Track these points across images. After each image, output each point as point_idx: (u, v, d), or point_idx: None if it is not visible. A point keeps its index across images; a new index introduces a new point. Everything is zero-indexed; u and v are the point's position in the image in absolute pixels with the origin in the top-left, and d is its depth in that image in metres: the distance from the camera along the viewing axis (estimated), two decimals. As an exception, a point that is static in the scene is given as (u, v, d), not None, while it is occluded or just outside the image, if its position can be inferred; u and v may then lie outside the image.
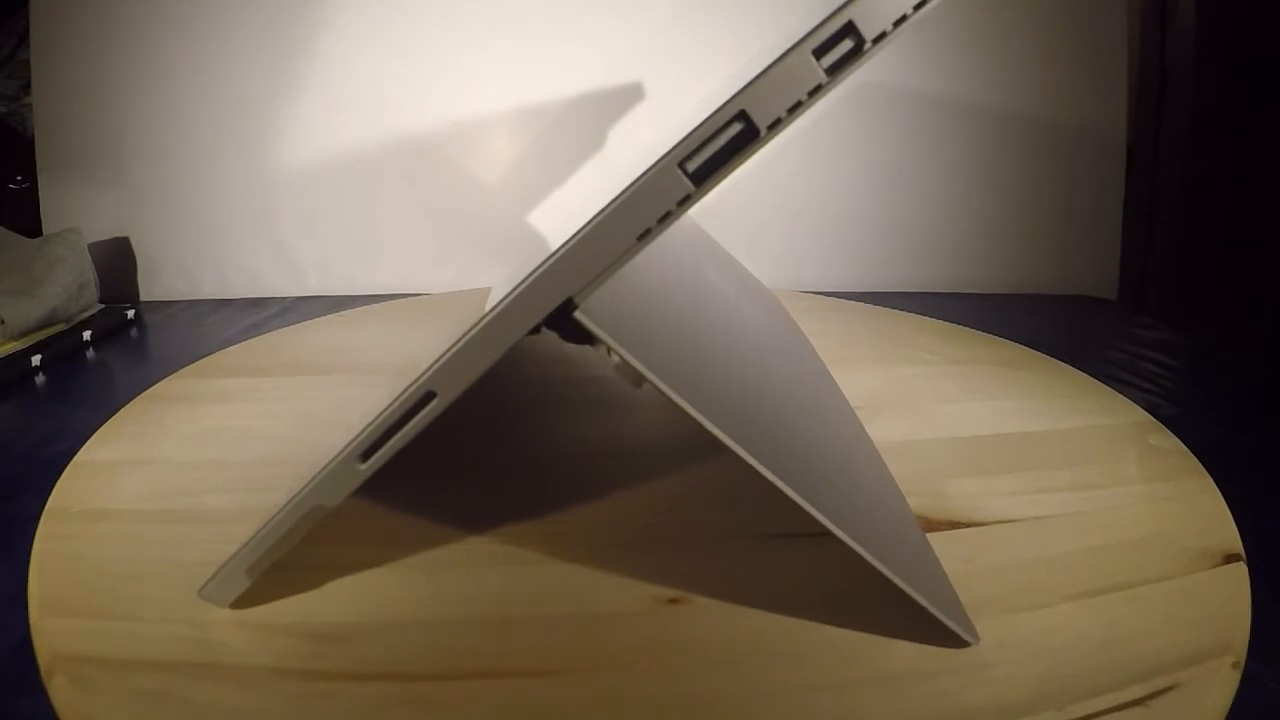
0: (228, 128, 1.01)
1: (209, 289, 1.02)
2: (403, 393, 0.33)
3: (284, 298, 1.01)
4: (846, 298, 0.94)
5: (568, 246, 0.31)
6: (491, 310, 0.32)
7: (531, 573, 0.42)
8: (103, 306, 0.91)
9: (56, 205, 1.02)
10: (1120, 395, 0.64)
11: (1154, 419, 0.59)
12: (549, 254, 0.32)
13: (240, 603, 0.38)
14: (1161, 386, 0.70)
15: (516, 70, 1.02)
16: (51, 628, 0.36)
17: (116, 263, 1.00)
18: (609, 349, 0.33)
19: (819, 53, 0.28)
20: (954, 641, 0.36)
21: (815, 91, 0.29)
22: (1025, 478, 0.52)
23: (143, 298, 1.02)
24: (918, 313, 0.86)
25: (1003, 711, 0.33)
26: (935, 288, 1.04)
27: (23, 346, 0.78)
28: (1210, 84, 1.01)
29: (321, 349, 0.70)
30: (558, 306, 0.32)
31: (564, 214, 0.99)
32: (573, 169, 1.02)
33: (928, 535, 0.44)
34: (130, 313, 0.91)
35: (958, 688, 0.35)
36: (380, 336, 0.70)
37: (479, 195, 1.03)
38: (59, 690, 0.33)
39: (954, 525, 0.46)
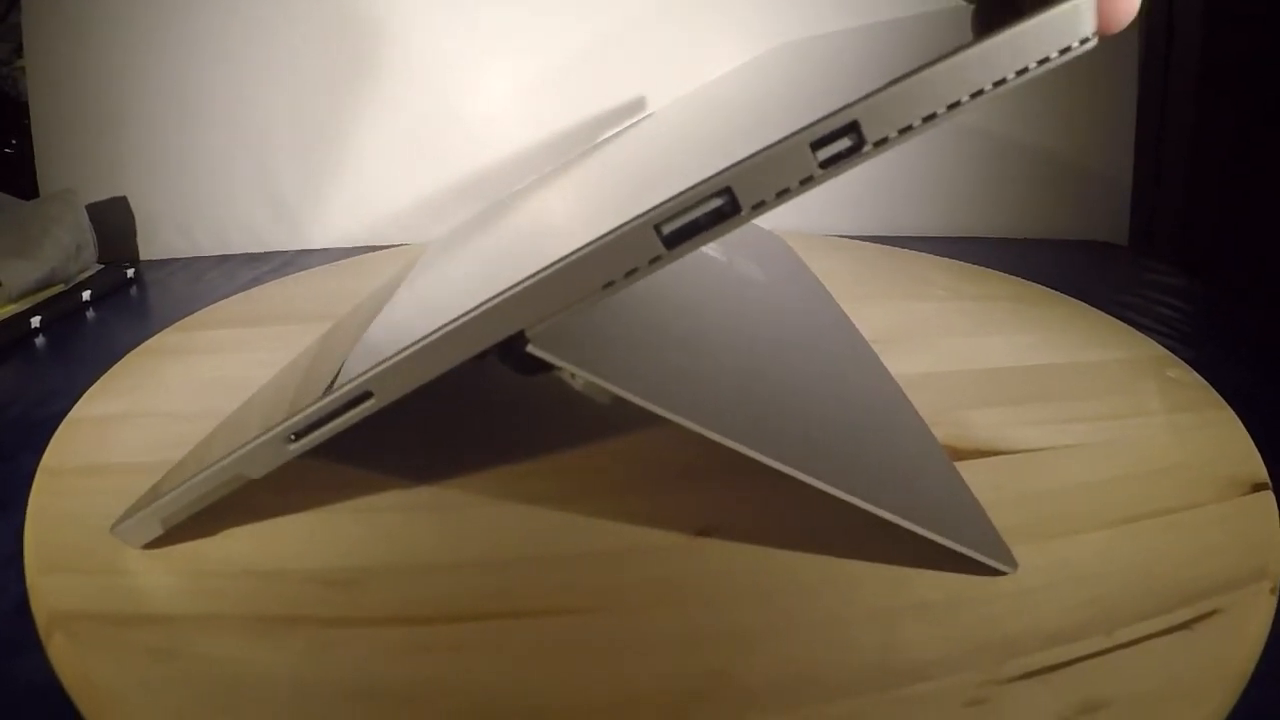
0: (223, 84, 0.99)
1: (208, 246, 1.00)
2: (341, 386, 0.33)
3: (284, 252, 0.99)
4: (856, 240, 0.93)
5: (527, 283, 0.31)
6: (440, 328, 0.32)
7: (550, 509, 0.40)
8: (101, 266, 0.89)
9: (52, 168, 1.00)
10: (1134, 330, 0.63)
11: (1170, 354, 0.59)
12: (506, 282, 0.31)
13: (244, 550, 0.37)
14: (1177, 330, 0.69)
15: (520, 17, 1.00)
16: (49, 586, 0.35)
17: (114, 222, 0.98)
18: (572, 373, 0.33)
19: (816, 145, 0.27)
20: (993, 569, 0.36)
21: (806, 182, 0.28)
22: (1048, 408, 0.51)
23: (142, 257, 1.00)
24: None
25: (1049, 637, 0.33)
26: (943, 232, 1.03)
27: (21, 309, 0.77)
28: (1217, 36, 0.99)
29: (318, 298, 0.69)
30: (509, 337, 0.32)
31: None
32: (577, 118, 1.01)
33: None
34: (130, 272, 0.90)
35: (1001, 614, 0.34)
36: (377, 285, 0.69)
37: (479, 145, 1.02)
38: (58, 649, 0.32)
39: (981, 454, 0.45)
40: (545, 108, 1.01)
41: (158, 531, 0.37)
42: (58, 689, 0.31)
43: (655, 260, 0.30)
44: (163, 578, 0.36)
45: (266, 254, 0.99)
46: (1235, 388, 0.52)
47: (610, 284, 0.30)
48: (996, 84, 0.26)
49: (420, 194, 1.02)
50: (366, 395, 0.33)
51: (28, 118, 1.00)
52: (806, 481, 0.34)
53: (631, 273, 0.30)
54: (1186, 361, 0.58)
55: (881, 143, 0.27)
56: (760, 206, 0.28)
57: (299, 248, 1.01)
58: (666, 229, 0.29)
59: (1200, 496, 0.42)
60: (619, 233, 0.29)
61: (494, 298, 0.31)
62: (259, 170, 1.00)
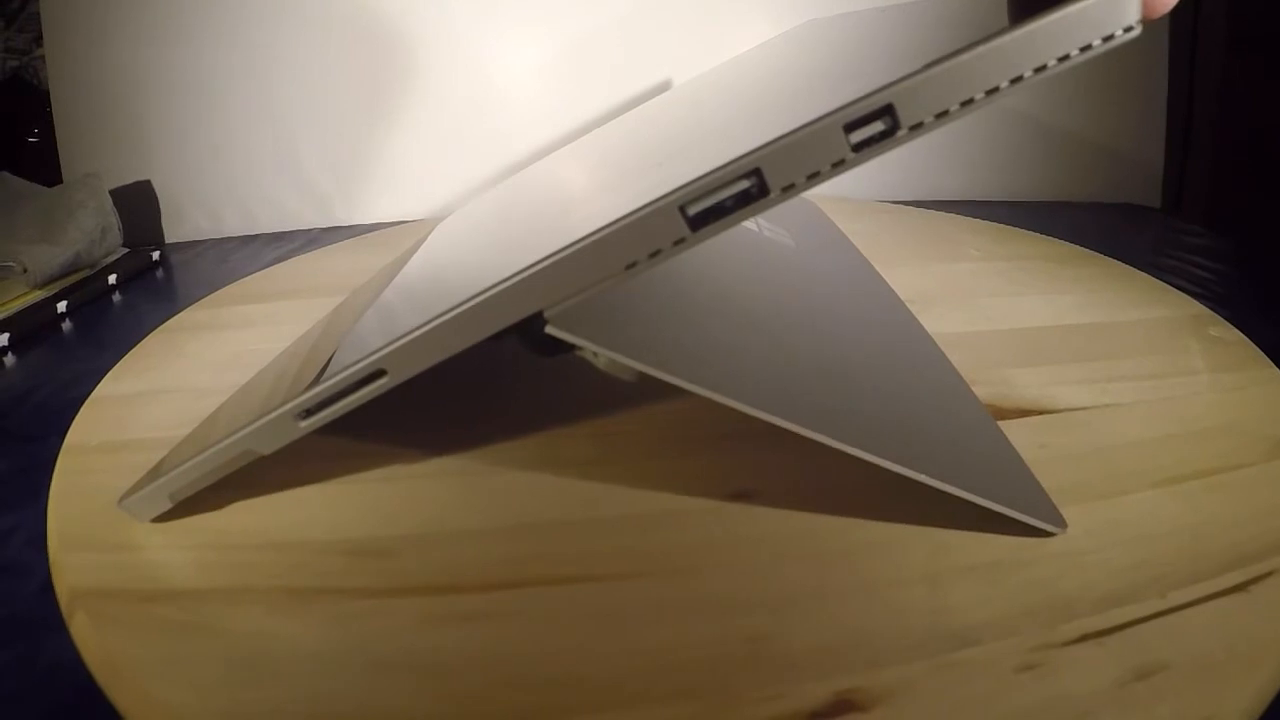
0: (244, 64, 0.99)
1: (233, 226, 1.00)
2: (354, 364, 0.32)
3: (310, 229, 0.99)
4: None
5: (547, 262, 0.30)
6: (455, 307, 0.31)
7: (582, 474, 0.40)
8: (127, 250, 0.89)
9: (75, 154, 1.00)
10: (1172, 289, 0.62)
11: (1211, 312, 0.57)
12: (525, 261, 0.30)
13: (268, 522, 0.37)
14: (1211, 290, 0.68)
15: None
16: (71, 563, 0.35)
17: (139, 206, 0.98)
18: (594, 352, 0.32)
19: (850, 128, 0.27)
20: (1041, 530, 0.35)
21: (838, 165, 0.27)
22: (1090, 367, 0.50)
23: (167, 240, 1.00)
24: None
25: (1102, 599, 0.32)
26: (972, 195, 1.02)
27: (48, 294, 0.77)
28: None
29: (342, 272, 0.68)
30: (527, 317, 0.31)
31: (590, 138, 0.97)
32: (602, 92, 1.00)
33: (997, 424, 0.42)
34: (155, 254, 0.90)
35: (1052, 576, 0.33)
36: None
37: (504, 119, 1.01)
38: (80, 628, 0.32)
39: (1024, 413, 0.44)
40: (570, 82, 1.00)
41: (166, 506, 0.36)
42: (82, 667, 0.31)
43: (680, 242, 0.29)
44: (185, 552, 0.35)
45: (292, 233, 0.99)
46: (1273, 347, 0.51)
47: (633, 265, 0.30)
48: (1037, 70, 0.26)
49: (445, 169, 1.01)
50: (380, 373, 0.33)
51: (49, 106, 1.00)
52: (845, 451, 0.33)
53: (655, 254, 0.29)
54: (1228, 321, 0.56)
55: (917, 127, 0.27)
56: (790, 189, 0.28)
57: (325, 225, 1.01)
58: (692, 210, 0.29)
59: (1249, 456, 0.41)
60: (643, 213, 0.29)
61: (512, 276, 0.30)
62: (283, 149, 1.00)
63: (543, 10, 0.99)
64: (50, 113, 1.00)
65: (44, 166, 1.01)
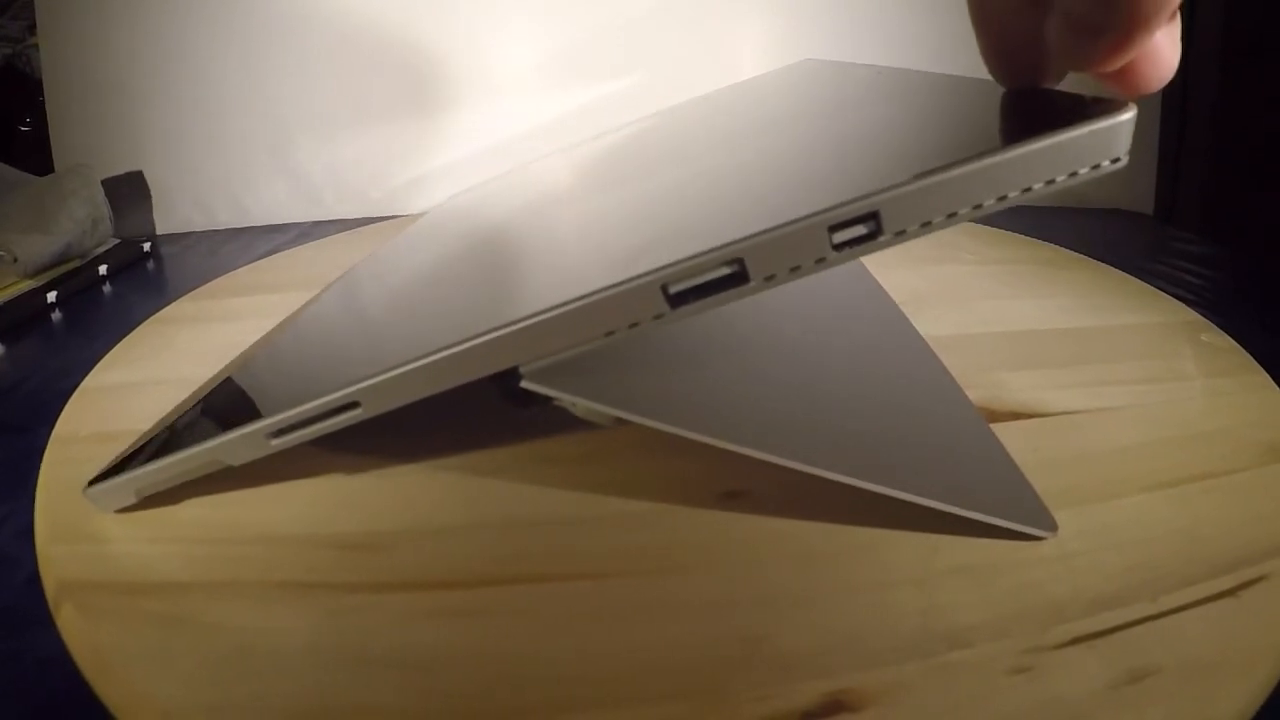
0: (237, 56, 0.98)
1: (225, 218, 1.00)
2: (330, 393, 0.33)
3: (301, 223, 0.99)
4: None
5: (528, 321, 0.31)
6: (433, 352, 0.32)
7: (573, 471, 0.40)
8: (117, 241, 0.89)
9: (67, 144, 1.00)
10: (1165, 295, 0.62)
11: (1203, 318, 0.57)
12: (505, 314, 0.31)
13: (257, 516, 0.37)
14: (1203, 297, 0.68)
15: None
16: (58, 555, 0.35)
17: (130, 197, 0.98)
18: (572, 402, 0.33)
19: (834, 228, 0.27)
20: (1032, 534, 0.35)
21: (820, 261, 0.28)
22: (1083, 371, 0.50)
23: (158, 231, 1.00)
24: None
25: (1092, 602, 0.32)
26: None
27: (38, 284, 0.76)
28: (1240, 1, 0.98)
29: (332, 265, 0.67)
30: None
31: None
32: (597, 93, 1.00)
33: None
34: (146, 246, 0.89)
35: (1043, 579, 0.33)
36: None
37: (495, 115, 1.01)
38: (67, 620, 0.32)
39: (1017, 416, 0.44)
40: (568, 81, 1.00)
41: (131, 500, 0.37)
42: (69, 659, 0.31)
43: (659, 317, 0.30)
44: (173, 546, 0.35)
45: (283, 226, 0.99)
46: (1264, 355, 0.51)
47: (611, 333, 0.30)
48: (1024, 191, 0.26)
49: (437, 164, 1.01)
50: (354, 404, 0.33)
51: (42, 95, 1.00)
52: (832, 479, 0.33)
53: (634, 325, 0.30)
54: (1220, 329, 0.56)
55: (900, 234, 0.27)
56: (771, 279, 0.28)
57: (316, 219, 1.00)
58: (673, 289, 0.29)
59: (1241, 461, 0.41)
60: (625, 286, 0.29)
61: (491, 331, 0.31)
62: (275, 142, 1.00)
63: (542, 8, 0.99)
64: (43, 102, 1.00)
65: (36, 155, 1.00)
